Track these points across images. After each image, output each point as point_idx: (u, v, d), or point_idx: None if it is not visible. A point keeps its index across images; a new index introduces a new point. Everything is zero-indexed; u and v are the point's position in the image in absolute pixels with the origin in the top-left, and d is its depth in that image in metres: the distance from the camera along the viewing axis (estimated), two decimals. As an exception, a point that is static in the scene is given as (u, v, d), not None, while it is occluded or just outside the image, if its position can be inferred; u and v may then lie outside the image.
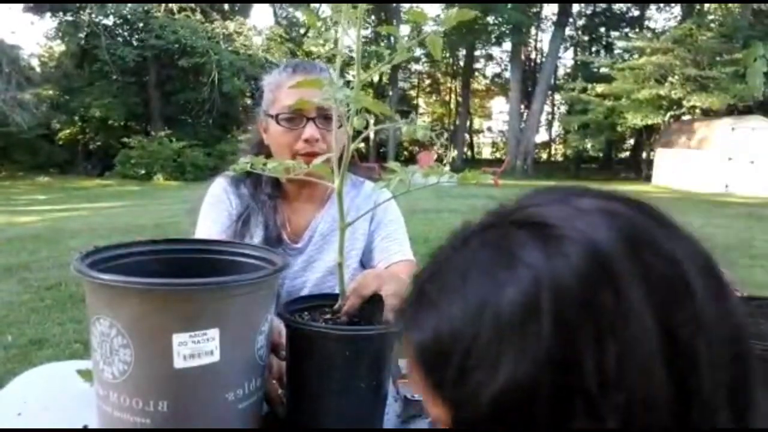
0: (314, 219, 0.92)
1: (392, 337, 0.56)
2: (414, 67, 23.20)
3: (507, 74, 22.41)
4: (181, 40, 11.87)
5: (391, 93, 20.28)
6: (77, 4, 12.46)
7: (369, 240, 0.93)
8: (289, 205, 0.93)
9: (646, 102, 13.56)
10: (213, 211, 0.91)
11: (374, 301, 0.59)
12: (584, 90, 15.29)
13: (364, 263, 0.93)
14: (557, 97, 22.83)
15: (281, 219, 0.91)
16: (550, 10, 19.66)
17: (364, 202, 0.94)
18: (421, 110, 27.03)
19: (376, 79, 22.26)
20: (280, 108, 0.84)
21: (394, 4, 17.79)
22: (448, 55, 23.21)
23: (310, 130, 0.83)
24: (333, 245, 0.91)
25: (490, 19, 17.56)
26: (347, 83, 0.61)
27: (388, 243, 0.90)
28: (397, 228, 0.94)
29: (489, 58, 24.55)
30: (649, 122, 14.14)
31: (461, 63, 22.65)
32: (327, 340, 0.54)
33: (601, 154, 22.12)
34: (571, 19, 19.79)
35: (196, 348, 0.47)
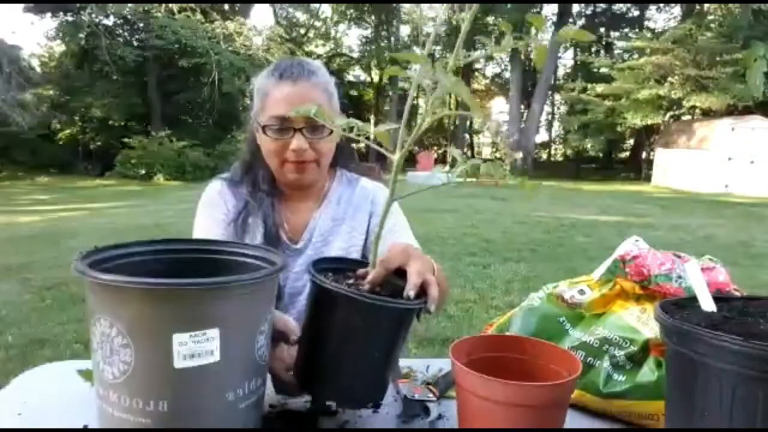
0: (312, 219, 0.92)
1: (411, 313, 0.56)
2: (414, 67, 23.15)
3: (507, 74, 22.41)
4: (182, 40, 11.87)
5: (391, 93, 20.27)
6: (78, 5, 12.45)
7: (369, 237, 0.92)
8: (285, 204, 0.93)
9: (646, 102, 13.56)
10: (209, 215, 0.91)
11: (398, 275, 0.59)
12: (584, 90, 15.30)
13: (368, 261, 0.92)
14: (557, 97, 22.84)
15: (279, 218, 0.91)
16: (550, 10, 19.64)
17: (360, 201, 0.94)
18: (420, 110, 26.95)
19: (376, 79, 22.28)
20: (268, 119, 0.83)
21: (394, 4, 17.75)
22: (448, 55, 23.14)
23: (297, 142, 0.82)
24: (333, 245, 0.90)
25: (490, 19, 17.55)
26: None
27: (392, 236, 0.89)
28: (398, 220, 0.94)
29: (489, 58, 24.53)
30: (649, 122, 14.15)
31: (461, 63, 22.59)
32: (351, 303, 0.54)
33: (601, 154, 22.13)
34: (571, 19, 19.78)
35: (196, 348, 0.47)
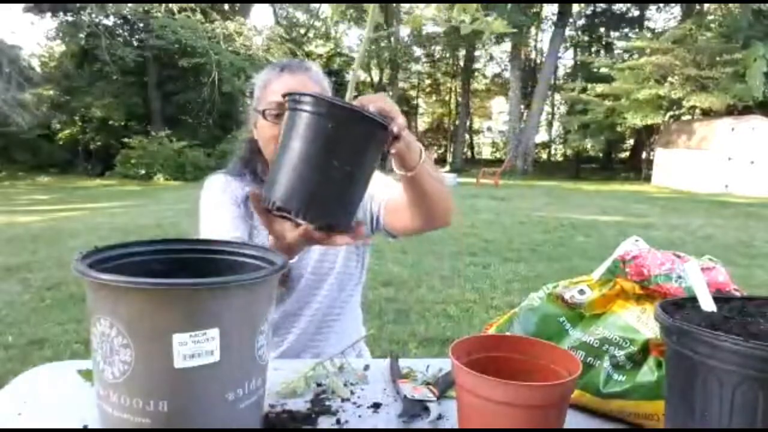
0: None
1: (376, 128, 0.57)
2: (414, 67, 23.23)
3: (507, 74, 22.40)
4: (182, 40, 11.87)
5: (391, 93, 20.27)
6: (78, 5, 12.44)
7: (366, 212, 0.93)
8: None
9: (646, 102, 13.57)
10: (219, 207, 0.92)
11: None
12: (584, 90, 15.30)
13: (378, 226, 0.92)
14: (557, 97, 22.86)
15: None
16: (550, 10, 19.67)
17: None
18: (421, 110, 27.03)
19: (376, 78, 22.29)
20: (267, 104, 0.88)
21: (394, 4, 17.76)
22: (447, 55, 23.22)
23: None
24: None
25: (490, 18, 17.46)
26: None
27: (390, 189, 0.91)
28: (387, 180, 0.95)
29: (489, 58, 24.56)
30: (649, 122, 14.15)
31: (461, 63, 22.66)
32: (320, 104, 0.55)
33: (601, 154, 22.14)
34: (571, 19, 19.80)
35: (196, 348, 0.47)
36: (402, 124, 0.60)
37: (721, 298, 0.54)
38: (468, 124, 23.87)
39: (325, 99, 0.56)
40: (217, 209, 0.91)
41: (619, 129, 16.16)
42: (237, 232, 0.89)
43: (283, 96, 0.59)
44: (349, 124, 0.56)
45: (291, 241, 0.61)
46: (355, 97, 0.63)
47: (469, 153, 25.19)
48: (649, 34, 16.70)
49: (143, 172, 11.65)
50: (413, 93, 25.39)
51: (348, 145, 0.56)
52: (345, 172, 0.56)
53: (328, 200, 0.57)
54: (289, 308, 0.94)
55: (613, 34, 21.67)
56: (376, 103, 0.60)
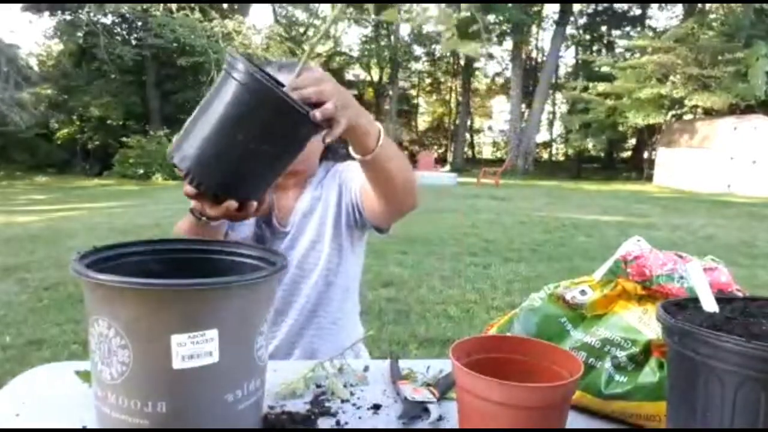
0: (297, 202, 0.97)
1: (294, 117, 0.54)
2: (414, 66, 23.22)
3: (508, 73, 22.39)
4: (180, 38, 11.87)
5: (391, 92, 20.27)
6: (76, 3, 12.44)
7: (347, 204, 0.94)
8: (275, 193, 0.98)
9: (647, 101, 13.55)
10: None
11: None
12: (585, 89, 15.29)
13: (362, 216, 0.93)
14: (558, 96, 22.84)
15: (271, 202, 0.96)
16: (551, 9, 19.64)
17: (330, 178, 0.99)
18: (421, 110, 27.02)
19: (376, 78, 22.28)
20: None
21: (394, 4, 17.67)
22: (448, 53, 23.17)
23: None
24: (311, 223, 0.95)
25: (491, 17, 17.53)
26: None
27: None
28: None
29: (490, 57, 24.52)
30: (651, 121, 14.14)
31: (462, 62, 22.64)
32: (242, 77, 0.53)
33: (602, 154, 22.12)
34: (572, 18, 19.78)
35: (194, 349, 0.47)
36: (328, 110, 0.57)
37: (723, 298, 0.54)
38: (469, 123, 23.85)
39: (251, 70, 0.54)
40: None
41: (620, 128, 16.15)
42: None
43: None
44: (264, 101, 0.54)
45: (211, 216, 0.61)
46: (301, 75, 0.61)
47: (469, 152, 25.18)
48: (650, 33, 16.70)
49: (141, 171, 11.64)
50: (413, 92, 25.38)
51: (258, 122, 0.55)
52: (248, 148, 0.55)
53: (222, 169, 0.56)
54: (277, 304, 0.94)
55: (615, 32, 21.65)
56: (305, 88, 0.58)
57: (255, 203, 0.62)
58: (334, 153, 1.01)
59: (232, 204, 0.59)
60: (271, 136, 0.56)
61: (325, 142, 0.60)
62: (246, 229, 0.94)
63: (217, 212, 0.60)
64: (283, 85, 0.60)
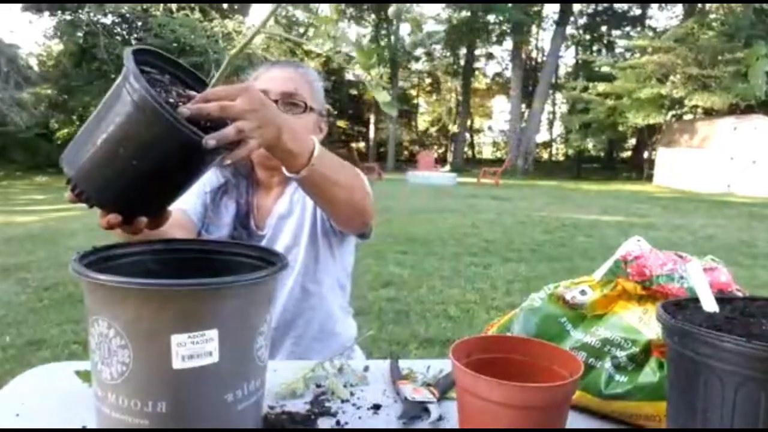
0: (276, 204, 0.95)
1: (183, 139, 0.50)
2: (414, 66, 23.22)
3: (508, 73, 22.39)
4: (180, 39, 11.87)
5: (391, 92, 20.24)
6: (76, 4, 12.45)
7: (318, 215, 0.93)
8: (258, 192, 0.97)
9: (647, 101, 13.56)
10: None
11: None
12: (585, 89, 15.29)
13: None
14: (558, 96, 22.83)
15: (251, 203, 0.95)
16: (551, 9, 19.64)
17: None
18: (421, 109, 27.02)
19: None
20: None
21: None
22: (448, 54, 23.21)
23: None
24: (288, 227, 0.93)
25: (491, 18, 17.53)
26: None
27: None
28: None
29: (490, 57, 24.53)
30: (651, 121, 14.14)
31: (462, 62, 22.64)
32: (131, 86, 0.50)
33: (602, 154, 22.13)
34: (572, 18, 19.78)
35: (194, 349, 0.47)
36: (226, 135, 0.52)
37: (723, 298, 0.54)
38: (468, 123, 23.85)
39: (141, 88, 0.49)
40: None
41: (620, 128, 16.15)
42: (183, 205, 0.89)
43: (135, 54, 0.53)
44: (152, 122, 0.50)
45: (99, 224, 0.58)
46: (228, 79, 0.59)
47: (469, 152, 25.18)
48: (650, 33, 16.69)
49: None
50: (413, 92, 25.38)
51: (142, 140, 0.51)
52: (131, 164, 0.52)
53: (102, 182, 0.54)
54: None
55: (615, 32, 21.65)
56: (208, 104, 0.53)
57: (144, 219, 0.57)
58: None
59: (114, 217, 0.56)
60: (157, 157, 0.52)
61: (224, 164, 0.56)
62: (222, 230, 0.92)
63: (102, 222, 0.57)
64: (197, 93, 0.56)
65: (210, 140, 0.51)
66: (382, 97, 0.58)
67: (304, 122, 0.91)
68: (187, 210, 0.90)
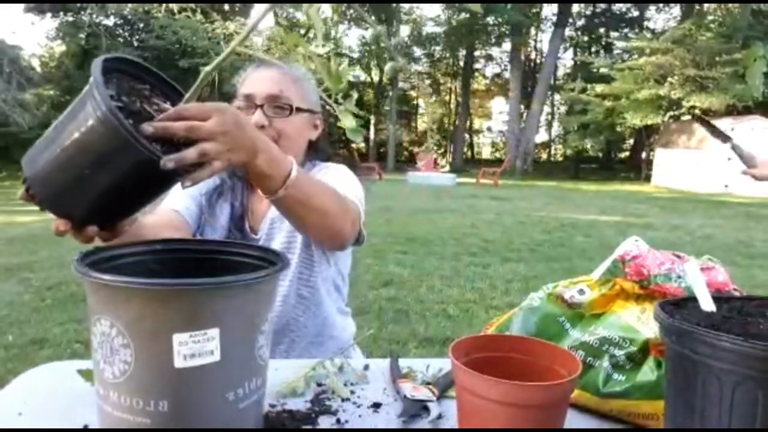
0: (270, 208, 0.93)
1: (139, 157, 0.48)
2: (414, 67, 23.22)
3: (507, 74, 22.41)
4: (182, 40, 11.87)
5: (391, 93, 20.27)
6: (78, 4, 12.44)
7: None
8: (252, 195, 0.96)
9: (645, 102, 13.58)
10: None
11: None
12: (584, 90, 15.32)
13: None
14: (557, 97, 22.87)
15: (246, 205, 0.95)
16: (549, 11, 19.67)
17: None
18: (421, 110, 27.03)
19: (376, 79, 22.29)
20: (238, 98, 0.91)
21: (394, 4, 17.76)
22: (448, 55, 23.23)
23: (255, 117, 0.87)
24: (282, 231, 0.91)
25: (490, 19, 17.55)
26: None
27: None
28: (336, 176, 0.90)
29: (489, 58, 24.58)
30: (649, 122, 14.17)
31: (461, 63, 22.66)
32: (92, 98, 0.49)
33: (600, 154, 22.16)
34: (570, 20, 19.81)
35: (196, 348, 0.47)
36: (186, 157, 0.50)
37: (720, 298, 0.54)
38: (468, 124, 23.87)
39: (103, 103, 0.48)
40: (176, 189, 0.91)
41: (618, 129, 16.18)
42: (176, 206, 0.88)
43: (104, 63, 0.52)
44: (111, 137, 0.49)
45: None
46: (203, 97, 0.57)
47: (468, 153, 25.19)
48: (648, 35, 16.72)
49: (143, 172, 11.62)
50: (413, 93, 25.41)
51: (98, 150, 0.50)
52: (84, 173, 0.51)
53: (53, 188, 0.54)
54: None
55: (613, 34, 21.69)
56: (174, 122, 0.51)
57: (95, 229, 0.56)
58: (316, 153, 0.97)
59: (64, 223, 0.54)
60: (113, 171, 0.51)
61: (184, 186, 0.53)
62: (218, 232, 0.91)
63: (55, 227, 0.55)
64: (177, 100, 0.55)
65: (168, 162, 0.49)
66: (349, 123, 0.58)
67: (293, 124, 0.89)
68: (179, 210, 0.89)
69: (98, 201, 0.55)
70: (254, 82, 0.91)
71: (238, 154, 0.55)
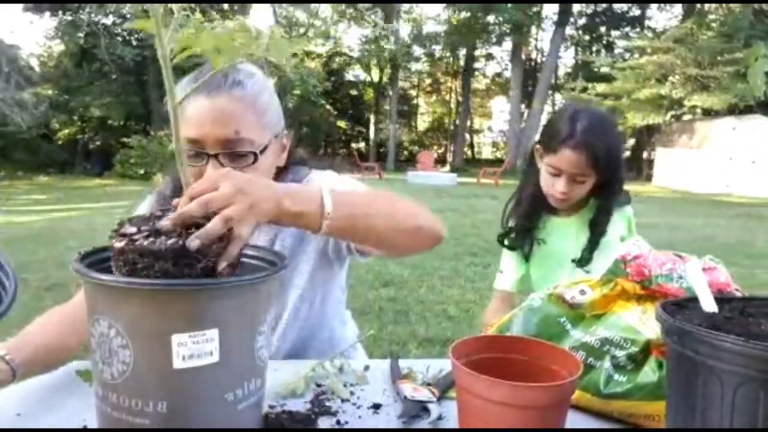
0: (277, 235, 0.81)
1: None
2: (414, 66, 23.23)
3: (507, 74, 22.40)
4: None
5: (391, 92, 20.26)
6: (76, 4, 12.45)
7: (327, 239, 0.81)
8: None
9: (646, 101, 13.57)
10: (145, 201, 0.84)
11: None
12: (585, 89, 15.30)
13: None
14: (558, 96, 22.83)
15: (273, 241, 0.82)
16: (550, 10, 19.63)
17: None
18: (421, 110, 27.02)
19: (376, 78, 22.27)
20: (183, 139, 0.67)
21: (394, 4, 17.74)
22: (448, 54, 23.20)
23: (209, 170, 0.69)
24: (299, 267, 0.82)
25: (491, 18, 17.53)
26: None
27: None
28: (337, 182, 0.80)
29: (489, 57, 24.53)
30: (650, 122, 14.16)
31: (461, 62, 22.64)
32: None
33: (601, 154, 22.01)
34: (571, 19, 19.79)
35: (195, 348, 0.47)
36: (211, 231, 0.46)
37: (722, 298, 0.54)
38: (468, 123, 23.85)
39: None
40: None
41: (619, 128, 16.15)
42: None
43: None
44: None
45: None
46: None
47: (469, 153, 25.17)
48: (650, 34, 16.71)
49: (142, 171, 11.63)
50: (413, 92, 25.39)
51: None
52: None
53: None
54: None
55: (614, 33, 21.67)
56: (187, 209, 0.47)
57: None
58: (299, 163, 0.84)
59: None
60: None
61: (220, 269, 0.48)
62: None
63: None
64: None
65: (193, 242, 0.45)
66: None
67: (261, 167, 0.71)
68: None
69: None
70: (199, 120, 0.69)
71: (263, 207, 0.51)
